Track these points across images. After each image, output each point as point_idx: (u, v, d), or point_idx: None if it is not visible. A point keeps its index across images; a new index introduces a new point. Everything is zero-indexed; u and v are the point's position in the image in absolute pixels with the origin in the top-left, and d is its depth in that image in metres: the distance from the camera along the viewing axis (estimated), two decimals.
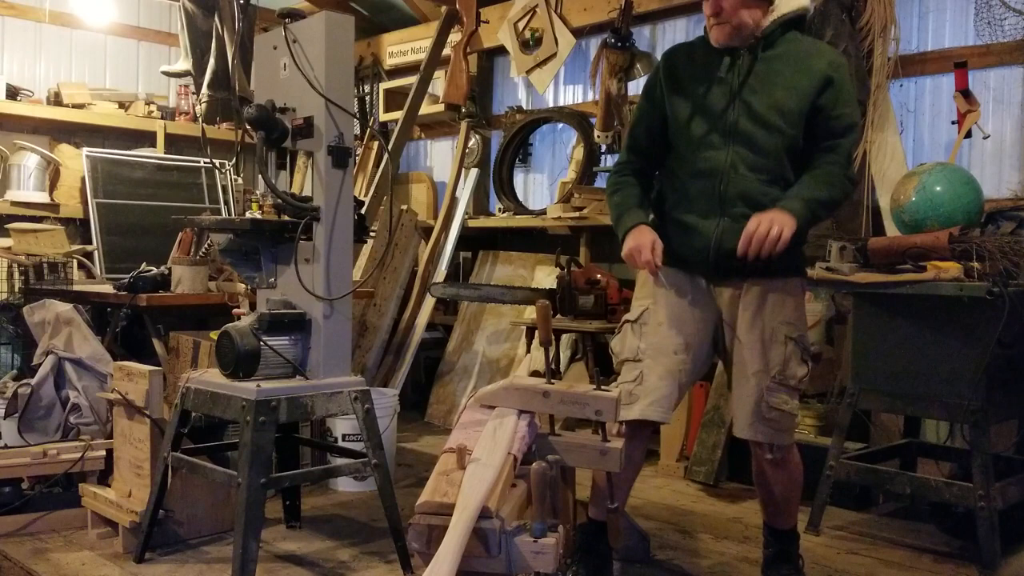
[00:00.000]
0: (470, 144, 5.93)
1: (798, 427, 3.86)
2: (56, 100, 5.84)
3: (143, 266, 3.97)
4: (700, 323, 2.58)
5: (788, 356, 2.48)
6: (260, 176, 2.87)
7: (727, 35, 2.48)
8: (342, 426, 3.83)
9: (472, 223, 5.69)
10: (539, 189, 5.90)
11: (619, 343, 2.62)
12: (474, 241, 5.89)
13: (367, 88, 6.69)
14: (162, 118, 6.24)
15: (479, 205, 6.00)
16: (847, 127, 2.49)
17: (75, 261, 4.96)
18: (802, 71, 2.46)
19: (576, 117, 5.41)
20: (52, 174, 5.68)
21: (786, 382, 2.49)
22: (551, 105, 5.79)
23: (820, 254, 3.43)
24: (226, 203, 6.03)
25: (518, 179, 5.93)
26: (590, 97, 5.46)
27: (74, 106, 5.84)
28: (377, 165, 6.12)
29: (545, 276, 5.33)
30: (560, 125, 5.71)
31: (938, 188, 3.28)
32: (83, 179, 5.68)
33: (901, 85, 4.27)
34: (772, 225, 2.32)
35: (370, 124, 6.50)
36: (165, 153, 6.11)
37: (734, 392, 2.57)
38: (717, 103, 2.50)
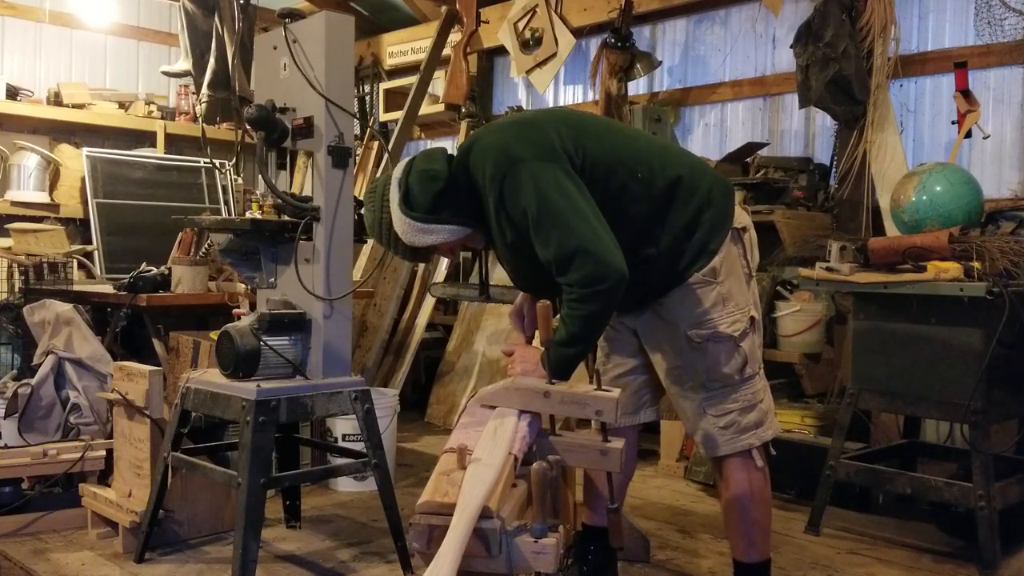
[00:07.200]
0: None
1: (801, 427, 3.91)
2: (56, 100, 5.84)
3: (143, 266, 3.97)
4: (632, 345, 2.51)
5: (712, 357, 2.31)
6: (260, 176, 2.87)
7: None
8: (342, 426, 3.83)
9: None
10: None
11: None
12: None
13: (367, 88, 6.69)
14: (162, 118, 6.24)
15: None
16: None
17: (75, 261, 4.95)
18: None
19: None
20: (52, 174, 5.68)
21: (726, 382, 2.32)
22: (551, 105, 5.78)
23: (820, 254, 3.43)
24: (226, 203, 6.03)
25: None
26: (590, 97, 5.46)
27: (74, 106, 5.85)
28: (377, 165, 6.12)
29: None
30: None
31: (938, 188, 3.28)
32: (83, 179, 5.68)
33: (901, 85, 4.27)
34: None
35: (370, 124, 6.50)
36: (165, 153, 6.11)
37: (680, 419, 2.49)
38: None
